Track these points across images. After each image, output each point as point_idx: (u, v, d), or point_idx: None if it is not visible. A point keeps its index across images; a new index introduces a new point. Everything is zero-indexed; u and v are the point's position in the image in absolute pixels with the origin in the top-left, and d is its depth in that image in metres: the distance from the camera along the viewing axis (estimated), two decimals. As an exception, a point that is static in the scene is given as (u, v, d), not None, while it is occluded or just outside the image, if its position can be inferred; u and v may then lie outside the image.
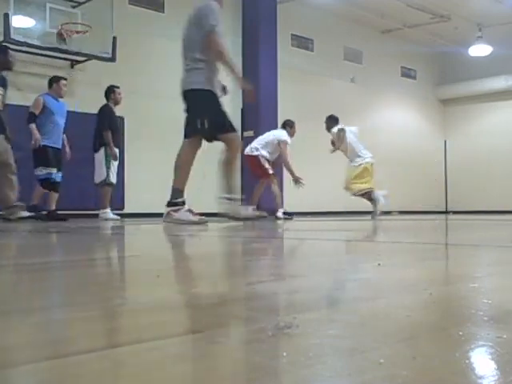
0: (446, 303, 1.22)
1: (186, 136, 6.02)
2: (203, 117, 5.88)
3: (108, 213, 9.17)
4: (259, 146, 9.77)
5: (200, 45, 5.70)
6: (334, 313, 1.04)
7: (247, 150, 9.73)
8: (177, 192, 6.04)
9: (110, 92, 9.27)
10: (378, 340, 0.84)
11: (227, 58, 5.80)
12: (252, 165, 9.82)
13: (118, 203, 10.10)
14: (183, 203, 5.98)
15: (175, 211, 5.90)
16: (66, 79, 8.91)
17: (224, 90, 6.26)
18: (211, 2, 5.83)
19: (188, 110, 5.99)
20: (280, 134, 10.00)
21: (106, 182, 9.15)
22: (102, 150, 9.11)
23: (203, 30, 5.65)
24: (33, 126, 8.40)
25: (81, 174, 9.74)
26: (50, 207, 8.46)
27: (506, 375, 0.67)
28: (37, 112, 8.42)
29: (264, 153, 9.67)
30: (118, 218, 9.19)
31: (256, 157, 9.68)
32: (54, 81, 8.72)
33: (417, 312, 1.09)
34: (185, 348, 0.81)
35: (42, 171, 8.50)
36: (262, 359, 0.74)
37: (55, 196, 8.55)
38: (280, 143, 9.77)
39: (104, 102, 9.39)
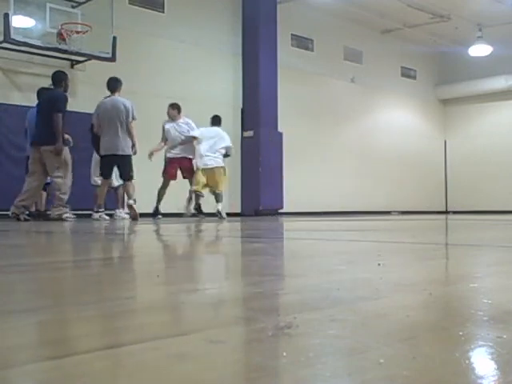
0: (446, 303, 1.23)
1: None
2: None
3: (123, 212, 9.41)
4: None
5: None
6: (334, 313, 1.04)
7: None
8: None
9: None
10: (378, 340, 0.84)
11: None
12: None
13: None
14: None
15: None
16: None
17: None
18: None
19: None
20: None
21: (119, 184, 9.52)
22: None
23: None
24: None
25: (82, 174, 9.74)
26: (42, 208, 8.73)
27: (506, 375, 0.67)
28: None
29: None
30: (108, 218, 9.18)
31: (190, 160, 9.91)
32: None
33: (417, 312, 1.09)
34: (185, 348, 0.81)
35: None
36: (262, 359, 0.74)
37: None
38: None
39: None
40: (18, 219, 8.03)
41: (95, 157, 9.46)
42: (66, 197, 8.31)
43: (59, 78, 8.46)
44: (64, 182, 8.29)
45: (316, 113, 14.69)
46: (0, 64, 9.95)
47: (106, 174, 8.78)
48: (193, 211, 9.89)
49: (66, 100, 8.28)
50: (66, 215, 8.25)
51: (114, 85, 8.75)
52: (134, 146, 8.67)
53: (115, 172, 9.39)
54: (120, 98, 8.71)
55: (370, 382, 0.65)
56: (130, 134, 8.58)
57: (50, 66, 10.39)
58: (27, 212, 8.31)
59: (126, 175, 8.69)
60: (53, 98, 8.24)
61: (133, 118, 8.58)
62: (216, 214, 9.72)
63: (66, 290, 1.47)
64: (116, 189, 9.62)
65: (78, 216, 9.78)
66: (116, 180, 9.49)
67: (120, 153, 8.55)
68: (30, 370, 0.70)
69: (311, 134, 14.51)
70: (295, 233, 5.13)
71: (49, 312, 1.12)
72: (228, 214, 11.18)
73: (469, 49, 16.13)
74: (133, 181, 8.67)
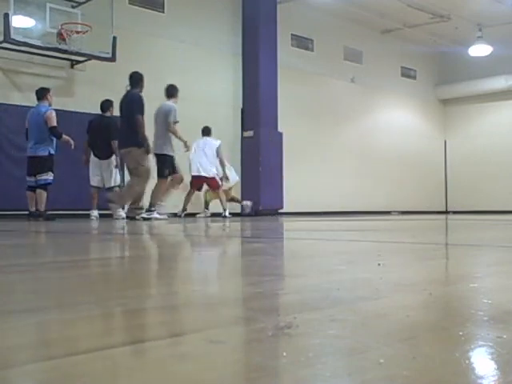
0: (446, 303, 1.23)
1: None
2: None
3: (122, 212, 9.54)
4: (213, 167, 10.70)
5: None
6: (334, 313, 1.04)
7: (197, 171, 10.70)
8: None
9: (109, 106, 9.67)
10: (378, 340, 0.84)
11: None
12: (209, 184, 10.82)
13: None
14: None
15: None
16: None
17: None
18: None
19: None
20: (215, 142, 10.88)
21: (119, 186, 9.69)
22: (113, 157, 9.58)
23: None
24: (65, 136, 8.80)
25: (81, 174, 9.77)
26: (42, 208, 8.67)
27: (506, 375, 0.67)
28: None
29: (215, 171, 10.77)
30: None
31: (213, 178, 10.70)
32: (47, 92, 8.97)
33: (417, 312, 1.09)
34: (185, 348, 0.81)
35: (51, 176, 8.76)
36: (262, 359, 0.74)
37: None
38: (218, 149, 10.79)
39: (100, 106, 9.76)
40: (135, 219, 8.32)
41: (93, 158, 9.59)
42: (129, 198, 8.46)
43: (136, 79, 8.56)
44: (137, 181, 8.40)
45: (316, 113, 14.69)
46: (0, 64, 9.94)
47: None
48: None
49: (142, 101, 8.39)
50: (120, 215, 8.40)
51: (171, 91, 9.22)
52: (185, 144, 9.25)
53: (104, 173, 9.62)
54: (169, 102, 9.08)
55: (370, 382, 0.65)
56: (173, 134, 9.03)
57: (50, 66, 10.38)
58: (141, 212, 8.55)
59: (158, 172, 9.05)
60: (130, 101, 8.37)
61: (174, 121, 8.93)
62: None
63: (65, 290, 1.47)
64: (109, 189, 9.65)
65: (74, 216, 9.80)
66: (113, 181, 9.61)
67: (156, 151, 8.87)
68: (29, 369, 0.70)
69: (311, 134, 14.50)
70: (295, 233, 5.13)
71: (48, 312, 1.12)
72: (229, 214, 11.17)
73: (469, 49, 16.11)
74: (163, 180, 8.95)
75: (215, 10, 12.94)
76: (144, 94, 8.73)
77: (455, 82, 17.79)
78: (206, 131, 10.88)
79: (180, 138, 9.12)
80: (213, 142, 10.75)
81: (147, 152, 8.39)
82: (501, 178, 16.90)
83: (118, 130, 9.60)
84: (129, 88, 8.55)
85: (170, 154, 8.90)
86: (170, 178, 9.15)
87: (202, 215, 11.05)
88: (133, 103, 8.30)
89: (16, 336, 0.90)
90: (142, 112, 8.30)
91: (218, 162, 10.76)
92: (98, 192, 9.63)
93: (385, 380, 0.65)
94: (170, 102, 9.07)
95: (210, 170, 10.61)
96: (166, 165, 8.86)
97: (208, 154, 10.66)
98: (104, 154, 9.51)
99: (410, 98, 17.45)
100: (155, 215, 8.89)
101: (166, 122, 8.85)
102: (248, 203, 11.50)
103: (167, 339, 0.86)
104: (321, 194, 14.54)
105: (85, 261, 2.46)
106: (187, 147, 9.34)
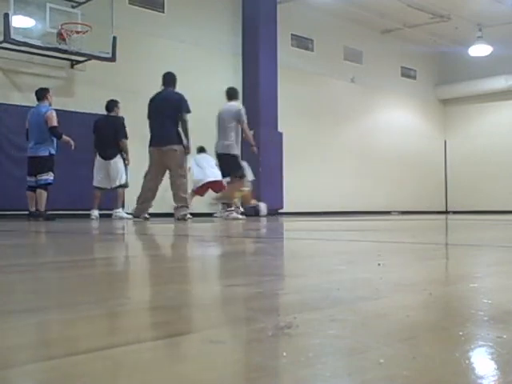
0: (446, 303, 1.22)
1: None
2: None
3: (122, 212, 9.59)
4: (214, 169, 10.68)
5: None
6: (334, 313, 1.04)
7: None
8: None
9: (114, 106, 9.74)
10: (378, 340, 0.84)
11: None
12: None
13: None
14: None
15: None
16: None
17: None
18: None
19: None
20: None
21: (124, 185, 9.79)
22: (119, 157, 9.67)
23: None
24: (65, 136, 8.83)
25: (82, 175, 9.78)
26: (42, 208, 8.67)
27: (506, 375, 0.67)
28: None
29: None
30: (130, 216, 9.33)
31: (216, 181, 10.69)
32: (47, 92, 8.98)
33: (417, 312, 1.09)
34: (185, 348, 0.81)
35: (51, 176, 8.77)
36: (262, 359, 0.74)
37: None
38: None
39: (104, 105, 9.85)
40: (138, 217, 8.38)
41: (98, 159, 9.61)
42: (187, 196, 8.50)
43: (170, 78, 8.51)
44: (185, 181, 8.46)
45: (316, 113, 14.68)
46: (0, 64, 9.94)
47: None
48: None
49: (186, 99, 8.33)
50: (188, 216, 8.33)
51: (231, 93, 9.42)
52: (252, 148, 9.50)
53: (111, 172, 9.64)
54: (233, 103, 9.24)
55: (370, 382, 0.65)
56: (246, 133, 9.34)
57: (50, 66, 10.38)
58: (147, 212, 8.53)
59: (231, 173, 9.37)
60: (174, 99, 8.26)
61: (242, 121, 9.10)
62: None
63: (65, 290, 1.47)
64: (115, 189, 9.72)
65: (74, 216, 9.80)
66: (118, 180, 9.64)
67: (223, 151, 9.11)
68: (29, 370, 0.70)
69: (311, 134, 14.50)
70: (295, 233, 5.12)
71: (48, 312, 1.12)
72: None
73: (469, 49, 16.11)
74: (238, 180, 9.27)
75: (215, 10, 12.94)
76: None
77: (455, 82, 17.79)
78: (203, 149, 11.08)
79: (249, 139, 9.38)
80: (210, 158, 10.80)
81: (188, 152, 8.43)
82: (501, 178, 16.90)
83: (124, 129, 9.65)
84: (163, 87, 8.50)
85: (236, 153, 9.11)
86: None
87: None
88: (180, 101, 8.24)
89: (16, 336, 0.90)
90: (190, 110, 8.29)
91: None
92: (101, 192, 9.66)
93: (385, 380, 0.65)
94: (235, 103, 9.21)
95: (213, 173, 10.61)
96: (237, 165, 9.16)
97: (209, 165, 10.77)
98: (109, 153, 9.56)
99: (410, 98, 17.44)
100: (234, 215, 9.13)
101: (235, 122, 9.03)
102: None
103: (167, 339, 0.86)
104: (321, 194, 14.54)
105: (85, 261, 2.46)
106: (254, 151, 9.60)
